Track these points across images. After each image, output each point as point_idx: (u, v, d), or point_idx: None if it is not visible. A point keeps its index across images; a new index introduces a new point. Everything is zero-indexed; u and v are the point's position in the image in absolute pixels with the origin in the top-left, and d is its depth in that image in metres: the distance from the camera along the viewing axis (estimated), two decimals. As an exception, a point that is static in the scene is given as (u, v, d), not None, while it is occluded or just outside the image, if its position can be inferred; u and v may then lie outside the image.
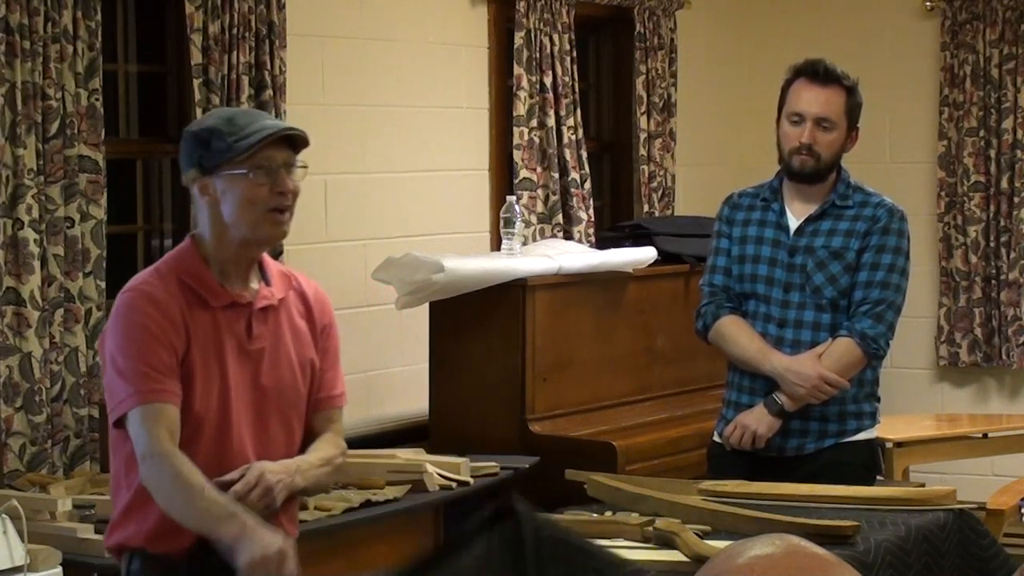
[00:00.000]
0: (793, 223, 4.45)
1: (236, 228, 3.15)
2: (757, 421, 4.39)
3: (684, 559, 3.47)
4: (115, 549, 3.23)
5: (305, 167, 3.26)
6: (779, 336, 4.41)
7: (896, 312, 4.42)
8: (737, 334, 4.45)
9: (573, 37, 6.65)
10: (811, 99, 4.38)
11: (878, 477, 4.59)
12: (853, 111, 4.44)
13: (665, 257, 6.20)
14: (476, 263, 5.63)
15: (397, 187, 6.09)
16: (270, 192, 3.14)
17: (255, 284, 3.21)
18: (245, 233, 3.15)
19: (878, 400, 4.55)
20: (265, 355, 3.19)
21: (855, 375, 4.39)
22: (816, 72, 4.41)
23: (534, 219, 6.49)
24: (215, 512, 3.06)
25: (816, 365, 4.33)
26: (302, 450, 3.30)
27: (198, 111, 5.23)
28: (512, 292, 5.61)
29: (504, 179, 6.55)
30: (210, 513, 3.06)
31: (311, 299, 3.32)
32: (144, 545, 3.15)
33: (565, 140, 6.58)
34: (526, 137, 6.46)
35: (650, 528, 3.61)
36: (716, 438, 4.55)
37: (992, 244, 7.44)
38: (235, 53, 5.29)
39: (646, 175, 7.14)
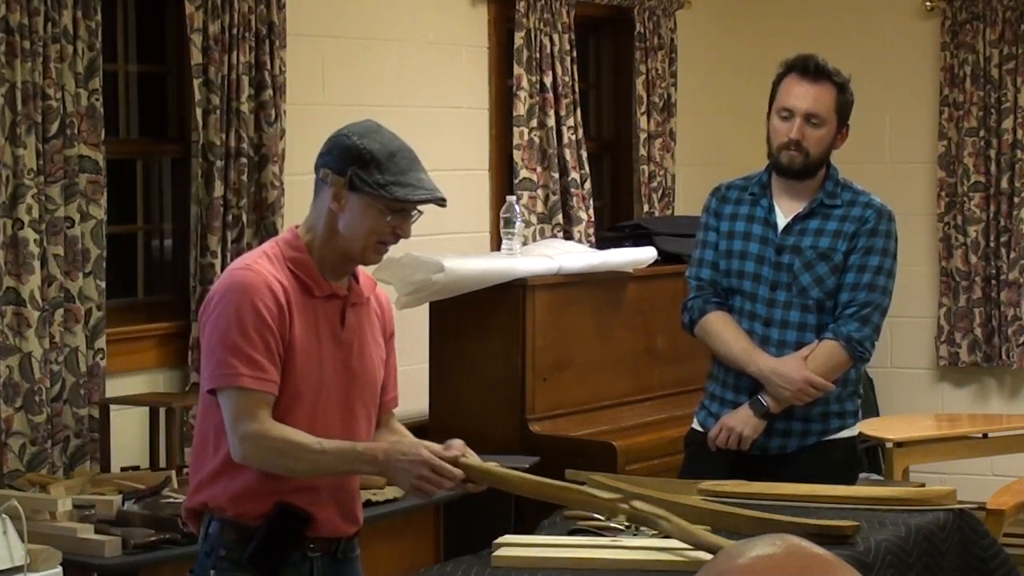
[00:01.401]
0: (781, 220, 4.41)
1: (344, 240, 3.33)
2: (743, 423, 4.37)
3: (684, 559, 3.47)
4: (195, 511, 3.37)
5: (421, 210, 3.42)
6: (765, 335, 4.39)
7: (882, 314, 4.40)
8: (723, 331, 4.43)
9: (573, 37, 6.65)
10: (801, 95, 4.34)
11: (878, 476, 4.58)
12: (843, 108, 4.39)
13: (665, 257, 6.20)
14: (476, 263, 5.63)
15: (397, 187, 6.08)
16: (391, 231, 3.33)
17: (345, 281, 3.42)
18: (350, 248, 3.34)
19: (860, 397, 4.55)
20: (354, 344, 3.39)
21: (839, 376, 4.39)
22: (807, 68, 4.36)
23: (534, 219, 6.49)
24: (346, 451, 3.28)
25: (802, 368, 4.32)
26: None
27: (198, 111, 5.23)
28: (512, 292, 5.61)
29: (504, 179, 6.55)
30: (342, 453, 3.27)
31: (384, 306, 3.54)
32: (226, 506, 3.30)
33: (565, 140, 6.58)
34: (526, 137, 6.46)
35: (626, 505, 3.53)
36: (696, 426, 4.53)
37: (992, 244, 7.44)
38: (235, 53, 5.29)
39: (646, 175, 7.14)
